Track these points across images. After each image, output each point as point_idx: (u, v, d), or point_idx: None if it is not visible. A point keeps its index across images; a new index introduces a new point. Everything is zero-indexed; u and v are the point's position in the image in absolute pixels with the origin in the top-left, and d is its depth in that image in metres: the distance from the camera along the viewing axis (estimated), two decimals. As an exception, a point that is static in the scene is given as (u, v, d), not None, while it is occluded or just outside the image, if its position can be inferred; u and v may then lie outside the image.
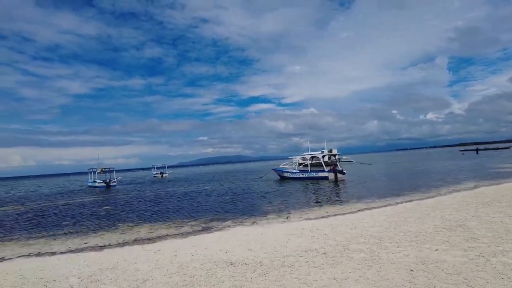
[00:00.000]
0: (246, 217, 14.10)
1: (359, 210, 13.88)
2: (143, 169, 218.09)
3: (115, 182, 46.72)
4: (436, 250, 6.95)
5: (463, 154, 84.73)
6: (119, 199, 27.05)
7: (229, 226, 12.34)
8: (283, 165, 42.87)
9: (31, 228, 15.24)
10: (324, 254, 7.34)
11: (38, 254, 10.33)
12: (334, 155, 37.17)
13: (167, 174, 71.16)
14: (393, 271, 5.86)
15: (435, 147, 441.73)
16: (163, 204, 21.14)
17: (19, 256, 10.23)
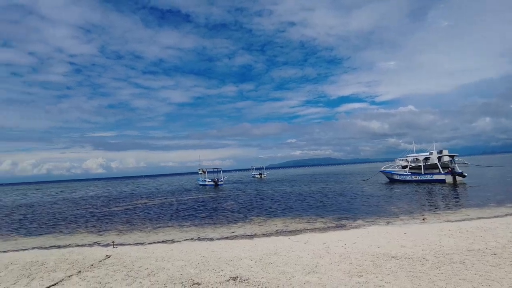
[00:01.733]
0: (377, 217, 14.17)
1: (507, 215, 12.70)
2: (238, 170, 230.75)
3: (222, 181, 50.70)
4: None
5: None
6: (236, 196, 29.47)
7: (363, 225, 12.61)
8: (384, 167, 41.37)
9: (178, 218, 17.85)
10: (494, 254, 7.11)
11: (199, 239, 12.18)
12: (452, 156, 33.95)
13: (265, 175, 74.00)
14: None
15: None
16: (284, 202, 22.48)
17: (185, 240, 12.21)
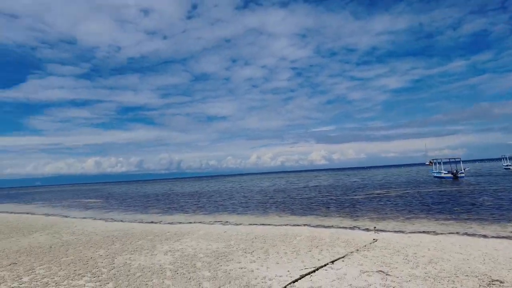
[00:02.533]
0: None
1: None
2: (476, 160, 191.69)
3: (462, 173, 43.95)
4: None
5: None
6: (493, 191, 25.05)
7: None
8: None
9: (429, 210, 17.18)
10: None
11: (467, 234, 11.30)
12: None
13: (524, 166, 58.44)
14: None
15: None
16: None
17: (450, 233, 11.57)
